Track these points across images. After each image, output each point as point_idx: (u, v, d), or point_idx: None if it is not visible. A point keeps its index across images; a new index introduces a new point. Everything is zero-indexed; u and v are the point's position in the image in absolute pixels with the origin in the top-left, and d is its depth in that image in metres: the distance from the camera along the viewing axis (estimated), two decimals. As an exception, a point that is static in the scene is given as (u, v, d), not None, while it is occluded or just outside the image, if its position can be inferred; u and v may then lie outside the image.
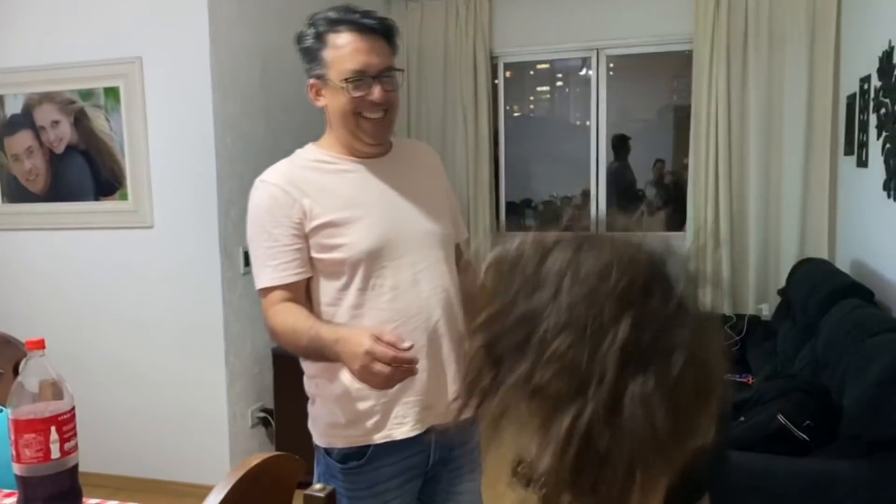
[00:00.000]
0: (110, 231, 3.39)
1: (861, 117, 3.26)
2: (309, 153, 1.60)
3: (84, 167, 3.39)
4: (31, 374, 1.15)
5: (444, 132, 4.52)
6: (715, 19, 3.94)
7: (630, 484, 0.65)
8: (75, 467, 1.18)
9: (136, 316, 3.39)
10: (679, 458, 0.68)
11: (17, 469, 1.15)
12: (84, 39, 3.30)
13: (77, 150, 3.39)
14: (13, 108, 3.45)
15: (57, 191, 3.45)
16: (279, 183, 1.52)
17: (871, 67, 3.05)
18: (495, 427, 0.68)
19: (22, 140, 3.45)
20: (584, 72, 4.66)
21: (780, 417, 2.19)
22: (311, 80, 1.56)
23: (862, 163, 3.24)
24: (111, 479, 3.37)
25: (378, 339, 1.32)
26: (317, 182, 1.54)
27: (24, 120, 3.44)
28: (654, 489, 0.69)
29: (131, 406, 3.44)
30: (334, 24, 1.51)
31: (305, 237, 1.52)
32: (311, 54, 1.54)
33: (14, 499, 1.20)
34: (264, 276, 1.53)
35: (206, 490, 1.07)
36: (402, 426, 1.54)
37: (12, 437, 1.14)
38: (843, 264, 3.53)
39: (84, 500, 1.23)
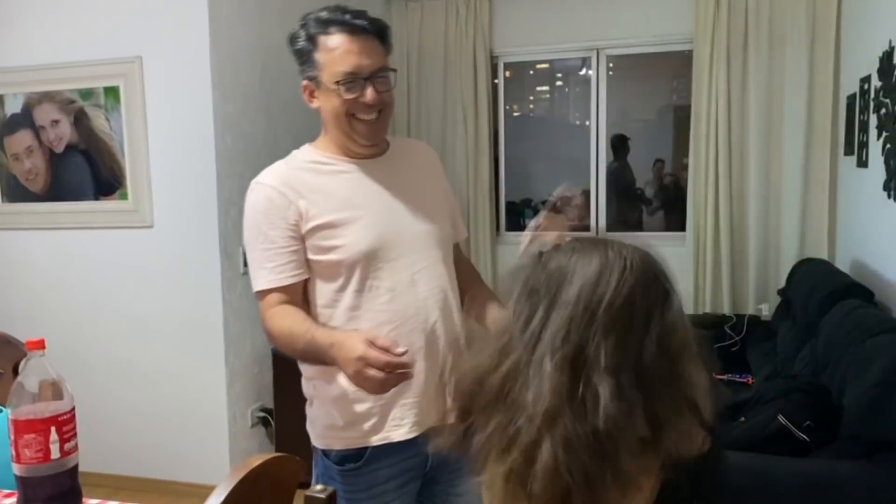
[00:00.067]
0: (110, 231, 3.39)
1: (861, 117, 3.26)
2: (305, 154, 1.59)
3: (84, 167, 3.38)
4: (31, 375, 1.15)
5: (444, 132, 4.51)
6: (715, 19, 3.94)
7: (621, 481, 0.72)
8: (75, 468, 1.18)
9: (135, 316, 3.39)
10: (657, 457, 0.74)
11: (16, 469, 1.15)
12: (84, 39, 3.30)
13: (77, 150, 3.39)
14: (13, 107, 3.45)
15: (57, 190, 3.45)
16: (275, 185, 1.52)
17: (872, 67, 3.04)
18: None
19: (22, 139, 3.45)
20: (583, 72, 4.66)
21: (781, 418, 2.19)
22: (305, 82, 1.55)
23: (862, 163, 3.24)
24: (111, 479, 3.37)
25: (372, 343, 1.30)
26: (313, 183, 1.53)
27: (24, 119, 3.43)
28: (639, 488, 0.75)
29: (131, 406, 3.44)
30: (325, 26, 1.49)
31: (302, 239, 1.51)
32: (304, 56, 1.52)
33: (14, 499, 1.20)
34: (261, 278, 1.52)
35: (205, 490, 1.07)
36: (399, 428, 1.53)
37: (12, 438, 1.14)
38: (843, 264, 3.53)
39: (84, 500, 1.22)
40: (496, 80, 4.58)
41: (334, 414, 1.54)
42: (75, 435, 1.18)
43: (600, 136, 4.46)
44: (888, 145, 2.82)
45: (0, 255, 3.57)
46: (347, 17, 1.49)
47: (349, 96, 1.49)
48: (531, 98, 5.30)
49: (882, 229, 2.98)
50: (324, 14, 1.50)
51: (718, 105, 3.97)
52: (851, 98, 3.48)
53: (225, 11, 3.24)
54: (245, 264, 3.27)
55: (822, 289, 2.97)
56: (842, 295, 2.80)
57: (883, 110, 2.89)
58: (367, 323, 1.50)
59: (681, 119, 4.56)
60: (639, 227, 4.90)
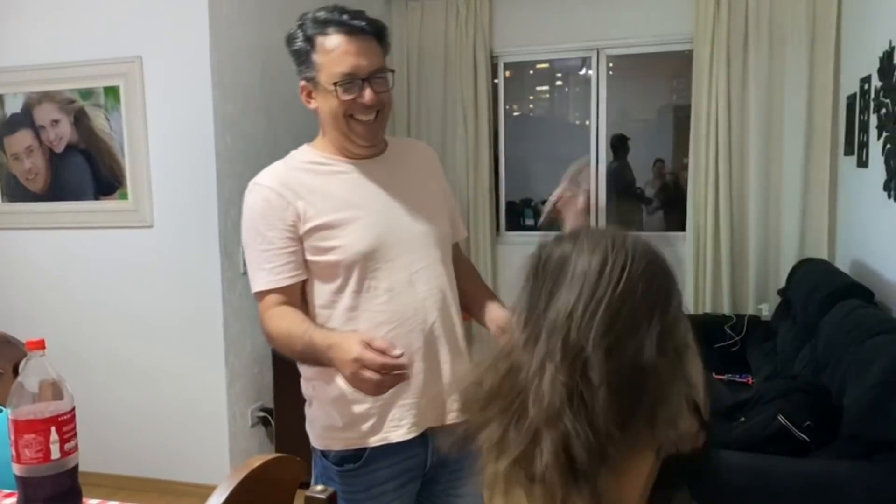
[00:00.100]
0: (110, 230, 3.39)
1: (861, 117, 3.26)
2: (303, 154, 1.59)
3: (84, 166, 3.38)
4: (31, 375, 1.15)
5: (444, 132, 4.51)
6: (715, 19, 3.94)
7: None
8: (75, 468, 1.18)
9: (135, 315, 3.39)
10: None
11: (16, 469, 1.14)
12: (84, 38, 3.30)
13: (77, 150, 3.39)
14: (13, 107, 3.45)
15: (57, 190, 3.45)
16: (273, 186, 1.51)
17: (872, 68, 3.04)
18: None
19: (22, 139, 3.45)
20: (583, 72, 4.66)
21: (781, 418, 2.19)
22: (302, 83, 1.54)
23: (862, 163, 3.24)
24: (111, 479, 3.37)
25: (368, 345, 1.30)
26: (311, 184, 1.52)
27: (24, 119, 3.43)
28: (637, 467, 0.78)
29: (131, 406, 3.44)
30: (323, 26, 1.48)
31: (300, 240, 1.50)
32: (301, 57, 1.51)
33: (14, 499, 1.20)
34: (259, 279, 1.53)
35: (205, 490, 1.06)
36: (398, 429, 1.53)
37: (12, 438, 1.14)
38: (843, 264, 3.53)
39: (84, 500, 1.22)
40: (496, 80, 4.58)
41: (333, 415, 1.54)
42: (75, 435, 1.18)
43: (600, 135, 4.46)
44: (888, 145, 2.82)
45: (0, 255, 3.57)
46: (345, 17, 1.48)
47: (347, 97, 1.48)
48: (531, 98, 5.30)
49: (882, 229, 2.98)
50: (321, 14, 1.49)
51: (718, 105, 3.97)
52: (851, 98, 3.48)
53: (225, 11, 3.24)
54: (245, 264, 3.29)
55: (822, 289, 2.97)
56: (842, 295, 2.80)
57: (883, 110, 2.89)
58: (366, 323, 1.50)
59: (681, 119, 4.56)
60: (639, 226, 4.90)
